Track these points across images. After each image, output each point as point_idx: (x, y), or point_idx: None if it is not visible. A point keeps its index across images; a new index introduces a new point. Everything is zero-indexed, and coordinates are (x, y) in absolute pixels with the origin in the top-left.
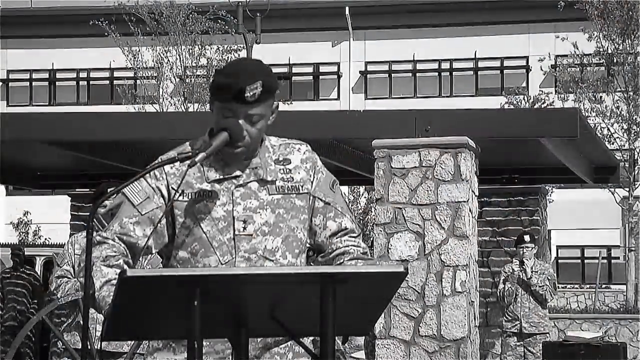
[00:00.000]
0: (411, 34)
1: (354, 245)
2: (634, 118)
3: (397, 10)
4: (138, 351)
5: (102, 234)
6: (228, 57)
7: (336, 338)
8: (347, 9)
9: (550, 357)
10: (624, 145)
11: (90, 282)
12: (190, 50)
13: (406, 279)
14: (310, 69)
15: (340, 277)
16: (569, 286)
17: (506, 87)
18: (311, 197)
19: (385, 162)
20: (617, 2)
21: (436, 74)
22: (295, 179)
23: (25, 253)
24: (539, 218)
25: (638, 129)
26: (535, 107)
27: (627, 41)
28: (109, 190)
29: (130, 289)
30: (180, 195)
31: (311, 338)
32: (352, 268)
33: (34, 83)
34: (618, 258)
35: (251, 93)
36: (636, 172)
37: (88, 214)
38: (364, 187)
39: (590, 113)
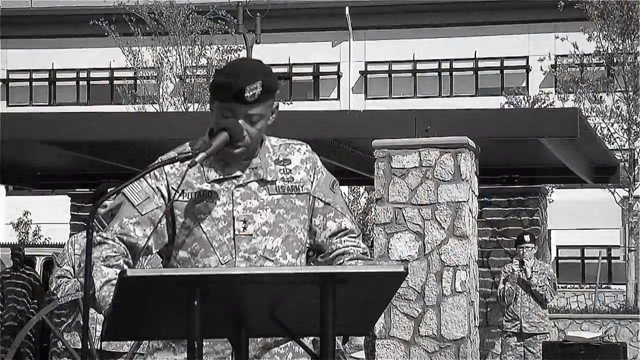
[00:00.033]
0: (411, 34)
1: (353, 246)
2: (634, 118)
3: (397, 10)
4: (138, 351)
5: (102, 234)
6: (228, 57)
7: (336, 338)
8: (347, 9)
9: (550, 357)
10: (624, 145)
11: (90, 282)
12: (190, 50)
13: (406, 279)
14: (310, 69)
15: (340, 277)
16: (569, 286)
17: (506, 87)
18: (311, 198)
19: (385, 162)
20: (617, 2)
21: (436, 74)
22: (295, 179)
23: (25, 253)
24: (539, 218)
25: (638, 129)
26: (535, 107)
27: (627, 41)
28: (109, 190)
29: (131, 289)
30: (180, 195)
31: (311, 338)
32: (352, 268)
33: (34, 83)
34: (618, 258)
35: (251, 93)
36: (636, 172)
37: (88, 214)
38: (364, 187)
39: (590, 113)
